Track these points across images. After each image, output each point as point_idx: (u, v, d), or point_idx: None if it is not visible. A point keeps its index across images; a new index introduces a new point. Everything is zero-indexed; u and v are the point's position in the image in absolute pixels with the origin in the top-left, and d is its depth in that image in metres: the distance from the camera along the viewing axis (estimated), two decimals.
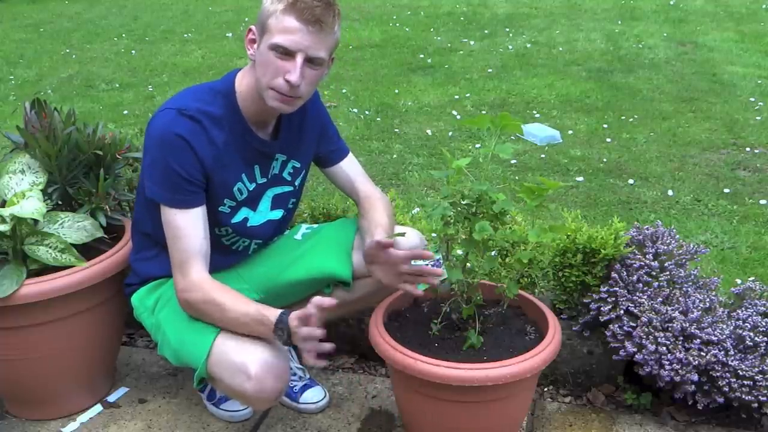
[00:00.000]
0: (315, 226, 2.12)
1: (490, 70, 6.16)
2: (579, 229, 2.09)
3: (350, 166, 2.04)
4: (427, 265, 1.76)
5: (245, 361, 1.67)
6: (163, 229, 1.77)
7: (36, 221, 1.91)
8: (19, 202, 1.90)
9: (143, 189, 1.83)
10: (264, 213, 1.93)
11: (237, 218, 1.87)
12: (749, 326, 1.94)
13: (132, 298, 1.95)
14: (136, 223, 1.93)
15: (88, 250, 1.98)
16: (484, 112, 5.14)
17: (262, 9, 1.69)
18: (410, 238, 1.96)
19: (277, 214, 1.96)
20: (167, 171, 1.71)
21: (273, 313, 1.67)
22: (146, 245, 1.92)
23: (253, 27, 1.73)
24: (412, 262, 1.80)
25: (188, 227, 1.74)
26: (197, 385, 1.79)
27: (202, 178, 1.75)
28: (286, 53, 1.66)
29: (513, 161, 4.19)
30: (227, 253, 1.93)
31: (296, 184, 1.97)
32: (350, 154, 2.05)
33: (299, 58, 1.67)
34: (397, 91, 5.66)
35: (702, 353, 1.88)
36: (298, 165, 1.94)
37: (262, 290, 1.97)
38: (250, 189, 1.86)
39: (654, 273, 2.05)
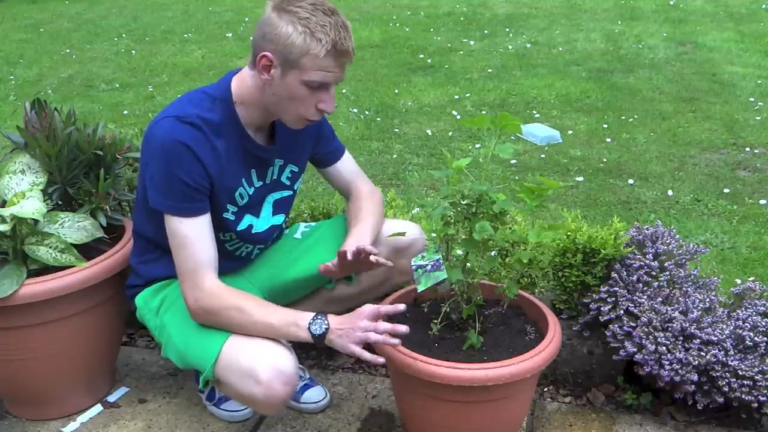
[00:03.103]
0: (313, 224, 2.13)
1: (490, 70, 6.16)
2: (579, 229, 2.09)
3: (346, 166, 2.04)
4: (427, 266, 1.77)
5: (254, 366, 1.66)
6: (165, 233, 1.74)
7: (36, 221, 1.91)
8: (19, 202, 1.90)
9: (142, 196, 1.81)
10: (267, 219, 1.93)
11: (242, 225, 1.86)
12: (749, 326, 1.94)
13: (136, 299, 1.93)
14: (137, 228, 1.91)
15: (88, 250, 1.98)
16: (484, 112, 5.13)
17: (286, 41, 1.61)
18: (409, 231, 1.96)
19: (279, 219, 1.96)
20: (172, 180, 1.68)
21: (304, 317, 1.68)
22: (148, 249, 1.90)
23: (268, 54, 1.63)
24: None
25: (197, 235, 1.71)
26: (202, 386, 1.78)
27: (207, 185, 1.72)
28: (322, 86, 1.67)
29: (513, 161, 4.19)
30: (230, 258, 1.92)
31: (295, 188, 1.97)
32: (346, 153, 2.05)
33: (333, 89, 1.70)
34: (397, 91, 5.66)
35: (702, 353, 1.88)
36: (296, 169, 1.94)
37: (267, 289, 1.97)
38: (250, 194, 1.85)
39: (654, 273, 2.05)
